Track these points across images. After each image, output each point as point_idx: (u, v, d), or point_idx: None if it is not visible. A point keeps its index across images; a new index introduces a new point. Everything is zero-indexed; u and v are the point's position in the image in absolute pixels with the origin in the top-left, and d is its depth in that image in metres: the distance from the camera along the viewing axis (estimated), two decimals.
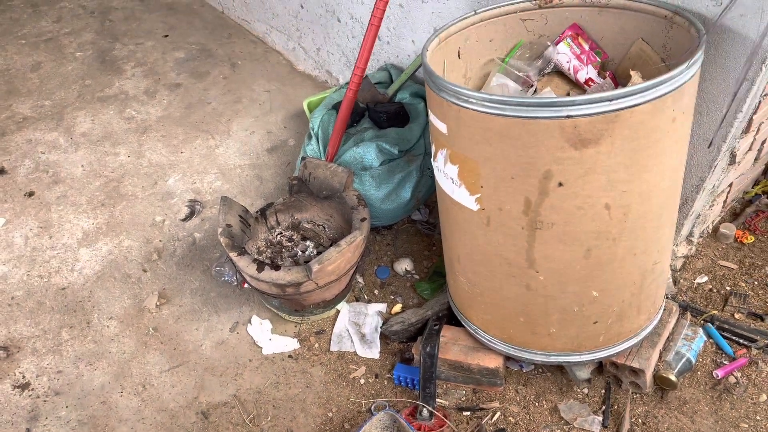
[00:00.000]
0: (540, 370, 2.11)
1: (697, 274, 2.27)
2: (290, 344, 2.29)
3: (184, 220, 2.75)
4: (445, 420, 1.95)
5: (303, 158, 2.37)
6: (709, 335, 2.07)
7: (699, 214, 2.19)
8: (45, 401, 2.16)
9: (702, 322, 2.11)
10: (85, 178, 2.97)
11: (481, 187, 1.66)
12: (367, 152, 2.39)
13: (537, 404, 2.01)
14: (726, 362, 1.99)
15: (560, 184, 1.55)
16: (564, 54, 1.98)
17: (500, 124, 1.51)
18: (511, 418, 1.98)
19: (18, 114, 3.34)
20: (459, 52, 1.98)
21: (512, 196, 1.62)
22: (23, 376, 2.23)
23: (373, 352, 2.25)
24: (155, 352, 2.29)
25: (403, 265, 2.50)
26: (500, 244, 1.74)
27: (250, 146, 3.11)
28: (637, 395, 1.98)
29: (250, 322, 2.36)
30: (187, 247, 2.66)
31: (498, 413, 2.00)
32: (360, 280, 2.49)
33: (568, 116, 1.44)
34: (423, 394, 2.03)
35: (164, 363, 2.26)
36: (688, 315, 2.12)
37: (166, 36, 3.93)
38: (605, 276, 1.73)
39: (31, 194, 2.90)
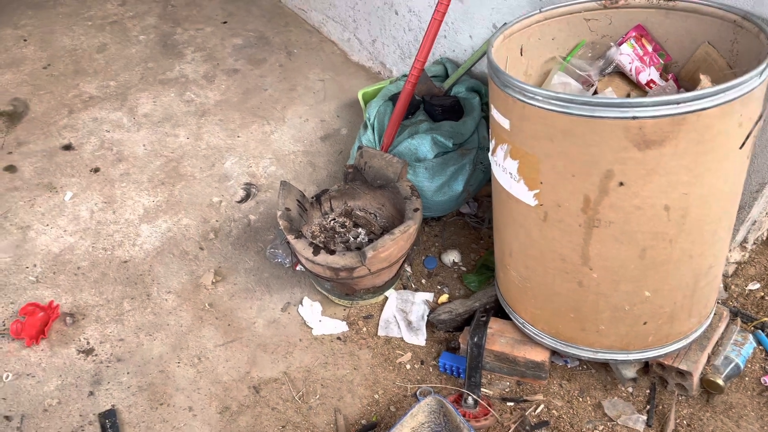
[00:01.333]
0: (584, 366, 2.13)
1: (749, 281, 2.26)
2: (339, 327, 2.37)
3: (239, 201, 2.84)
4: (489, 409, 2.00)
5: (359, 147, 2.43)
6: (758, 342, 2.06)
7: (755, 221, 2.18)
8: (107, 367, 2.28)
9: (752, 328, 2.11)
10: (147, 157, 3.09)
11: (541, 183, 1.69)
12: (421, 144, 2.44)
13: (581, 399, 2.04)
14: None
15: (621, 184, 1.57)
16: (627, 55, 1.99)
17: (564, 122, 1.54)
18: (554, 411, 2.02)
19: (85, 93, 3.48)
20: (521, 50, 2.01)
21: (571, 194, 1.65)
22: (87, 342, 2.35)
23: (420, 339, 2.30)
24: (210, 327, 2.39)
25: (451, 257, 2.54)
26: (555, 240, 1.77)
27: (304, 133, 3.19)
28: (683, 397, 1.99)
29: (301, 303, 2.44)
30: (243, 228, 2.75)
31: (542, 406, 2.04)
32: (408, 269, 2.55)
33: (634, 117, 1.46)
34: (468, 383, 2.08)
35: (219, 338, 2.36)
36: (738, 321, 2.12)
37: (225, 22, 4.03)
38: (659, 276, 1.74)
39: (96, 170, 3.03)
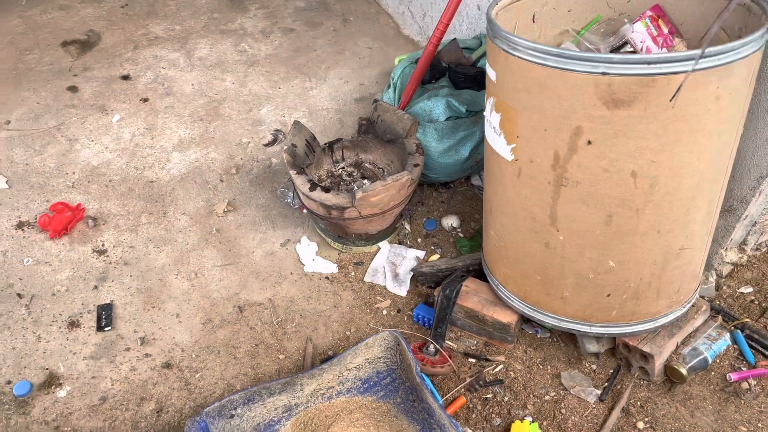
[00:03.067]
0: (554, 339, 2.14)
1: (742, 284, 2.19)
2: (330, 267, 2.47)
3: (266, 145, 3.00)
4: (448, 359, 2.05)
5: (375, 101, 2.53)
6: (735, 341, 2.01)
7: (756, 222, 2.11)
8: (115, 268, 2.48)
9: (732, 327, 2.05)
10: (193, 95, 3.30)
11: (517, 137, 1.73)
12: (436, 106, 2.50)
13: (541, 367, 2.06)
14: (744, 369, 1.93)
15: (589, 143, 1.59)
16: (639, 33, 1.99)
17: (540, 74, 1.58)
18: (512, 373, 2.04)
19: (151, 33, 3.75)
20: (534, 17, 2.04)
21: (543, 149, 1.68)
22: (103, 244, 2.56)
23: (402, 290, 2.37)
24: (213, 249, 2.56)
25: (450, 221, 2.59)
26: (527, 198, 1.80)
27: (341, 93, 3.31)
28: (645, 382, 1.97)
29: (299, 241, 2.57)
30: (263, 169, 2.91)
31: (501, 366, 2.06)
32: (407, 227, 2.62)
33: (603, 73, 1.48)
34: (434, 333, 2.13)
35: (218, 259, 2.52)
36: (720, 319, 2.06)
37: None
38: (624, 247, 1.74)
39: (145, 100, 3.27)
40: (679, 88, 1.43)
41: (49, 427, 2.00)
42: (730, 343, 2.00)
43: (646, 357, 1.93)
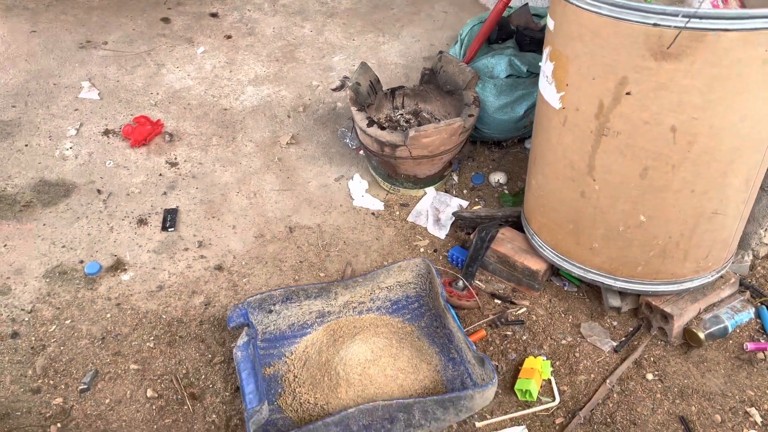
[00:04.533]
0: (580, 294, 2.22)
1: None
2: (377, 205, 2.62)
3: (334, 89, 3.17)
4: (475, 295, 2.17)
5: (440, 52, 2.64)
6: (758, 315, 2.03)
7: None
8: (183, 179, 2.71)
9: (759, 303, 2.07)
10: (272, 37, 3.50)
11: (567, 85, 1.82)
12: (498, 63, 2.59)
13: (563, 316, 2.15)
14: (764, 341, 1.96)
15: (632, 94, 1.66)
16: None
17: (594, 22, 1.66)
18: (533, 317, 2.14)
19: None
20: None
21: (589, 98, 1.76)
22: (175, 158, 2.80)
23: (441, 233, 2.50)
24: (272, 175, 2.75)
25: (497, 177, 2.69)
26: (569, 146, 1.89)
27: (411, 51, 3.43)
28: (662, 342, 2.03)
29: (352, 178, 2.72)
30: (328, 111, 3.08)
31: (524, 309, 2.17)
32: (455, 177, 2.74)
33: (655, 24, 1.55)
34: (465, 271, 2.25)
35: (276, 184, 2.71)
36: (748, 294, 2.09)
37: None
38: (656, 203, 1.81)
39: (228, 37, 3.49)
40: (675, 39, 1.50)
41: (112, 303, 2.24)
42: (754, 317, 2.03)
43: (666, 317, 1.99)
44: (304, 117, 3.04)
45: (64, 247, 2.43)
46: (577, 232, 2.01)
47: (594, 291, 2.22)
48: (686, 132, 1.67)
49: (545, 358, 1.97)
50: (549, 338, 2.07)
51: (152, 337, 2.14)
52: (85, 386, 2.00)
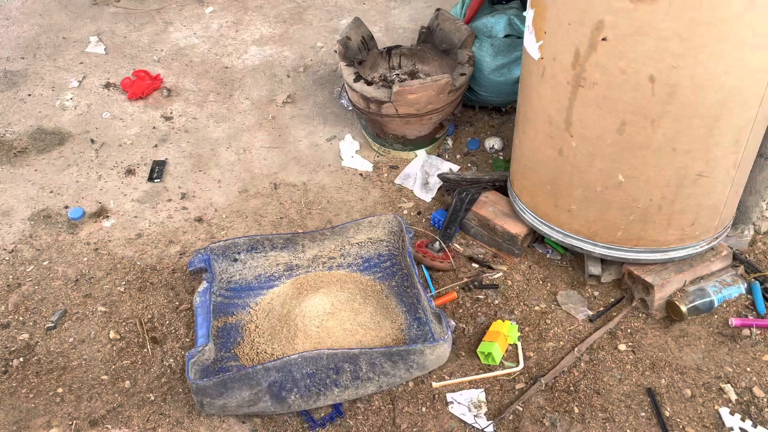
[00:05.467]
0: (563, 263, 2.11)
1: None
2: (365, 166, 2.56)
3: (336, 51, 3.11)
4: (450, 258, 2.09)
5: (437, 9, 2.55)
6: (750, 291, 1.89)
7: None
8: (176, 133, 2.71)
9: (752, 279, 1.93)
10: (283, 0, 3.47)
11: (545, 33, 1.71)
12: (497, 22, 2.49)
13: (541, 283, 2.05)
14: (752, 318, 1.82)
15: (608, 39, 1.55)
16: None
17: None
18: (509, 282, 2.05)
19: None
20: None
21: (566, 46, 1.65)
22: (170, 112, 2.80)
23: (428, 196, 2.42)
24: (264, 133, 2.72)
25: (493, 143, 2.59)
26: (547, 99, 1.78)
27: (421, 16, 3.34)
28: (643, 315, 1.91)
29: (344, 139, 2.67)
30: (329, 73, 3.02)
31: (500, 274, 2.08)
32: (449, 142, 2.65)
33: None
34: (443, 233, 2.18)
35: (266, 141, 2.68)
36: (741, 269, 1.94)
37: None
38: (635, 161, 1.69)
39: None
40: None
41: (90, 247, 2.26)
42: (744, 293, 1.89)
43: (648, 288, 1.87)
44: (303, 77, 2.99)
45: (51, 192, 2.46)
46: (555, 194, 1.90)
47: (578, 260, 2.11)
48: (665, 83, 1.55)
49: (514, 323, 1.88)
50: (522, 304, 1.98)
51: (124, 282, 2.14)
52: (52, 324, 2.02)
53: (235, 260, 1.98)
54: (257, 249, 1.99)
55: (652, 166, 1.69)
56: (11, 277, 2.17)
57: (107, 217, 2.37)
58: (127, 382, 1.85)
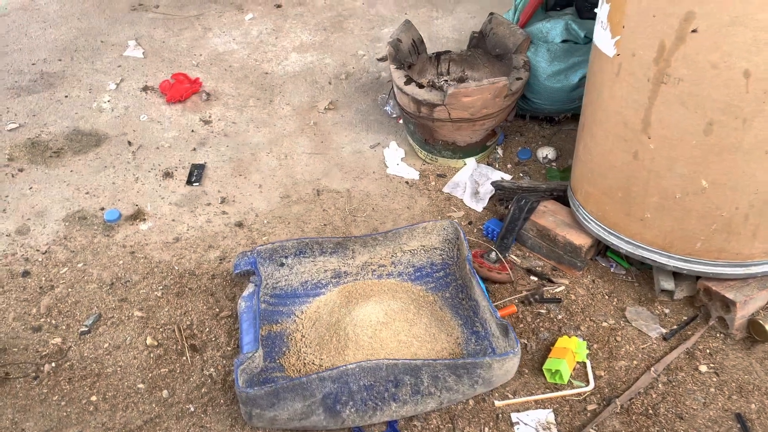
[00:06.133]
0: (629, 278, 1.97)
1: None
2: (412, 174, 2.45)
3: (380, 59, 3.00)
4: (507, 269, 1.96)
5: (490, 13, 2.46)
6: None
7: None
8: (215, 137, 2.63)
9: None
10: (322, 8, 3.41)
11: (623, 27, 1.61)
12: (554, 27, 2.39)
13: (606, 298, 1.91)
14: None
15: (698, 31, 1.44)
16: None
17: None
18: (572, 296, 1.91)
19: None
20: None
21: (648, 40, 1.54)
22: (209, 116, 2.72)
23: (479, 205, 2.30)
24: (306, 138, 2.63)
25: (546, 152, 2.47)
26: (622, 99, 1.67)
27: (465, 27, 3.26)
28: (721, 335, 1.76)
29: (388, 146, 2.57)
30: (371, 80, 2.94)
31: (562, 288, 1.94)
32: (499, 151, 2.53)
33: None
34: (500, 242, 2.05)
35: (308, 147, 2.58)
36: None
37: None
38: (722, 166, 1.57)
39: (278, 6, 3.42)
40: None
41: (126, 250, 2.16)
42: None
43: (728, 305, 1.73)
44: (345, 84, 2.91)
45: (87, 193, 2.37)
46: (627, 201, 1.77)
47: (645, 275, 1.97)
48: (763, 78, 1.43)
49: (581, 340, 1.74)
50: (588, 319, 1.84)
51: (161, 287, 2.04)
52: (86, 329, 1.91)
53: (282, 265, 1.87)
54: (305, 253, 1.87)
55: (741, 171, 1.56)
56: (44, 279, 2.07)
57: (144, 219, 2.27)
58: (165, 391, 1.73)
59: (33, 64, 2.98)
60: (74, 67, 2.98)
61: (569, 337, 1.74)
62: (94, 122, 2.68)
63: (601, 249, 2.04)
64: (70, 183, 2.41)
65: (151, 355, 1.83)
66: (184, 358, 1.81)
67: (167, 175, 2.45)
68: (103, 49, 3.09)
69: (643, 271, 1.98)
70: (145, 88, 2.85)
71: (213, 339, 1.87)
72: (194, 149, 2.56)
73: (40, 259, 2.13)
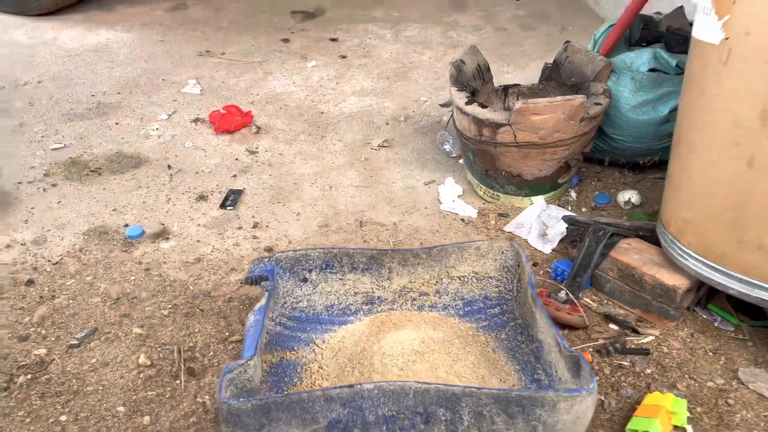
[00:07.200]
0: (739, 335, 1.55)
1: None
2: (469, 211, 2.15)
3: (442, 105, 2.82)
4: (579, 309, 1.58)
5: (566, 42, 2.23)
6: None
7: None
8: (259, 166, 2.44)
9: None
10: (388, 60, 3.31)
11: (734, 3, 1.32)
12: (639, 56, 2.12)
13: (710, 354, 1.48)
14: None
15: None
16: None
17: None
18: (664, 348, 1.50)
19: (370, 14, 3.91)
20: None
21: None
22: (256, 147, 2.56)
23: (546, 247, 1.96)
24: (355, 172, 2.40)
25: (628, 196, 2.12)
26: (733, 93, 1.35)
27: (534, 78, 3.05)
28: None
29: (444, 183, 2.29)
30: (431, 123, 2.73)
31: (651, 338, 1.53)
32: (572, 194, 2.21)
33: None
34: (571, 281, 1.68)
35: (356, 180, 2.35)
36: None
37: (518, 0, 4.15)
38: None
39: (343, 57, 3.34)
40: None
41: (141, 267, 1.93)
42: None
43: None
44: (403, 126, 2.71)
45: (115, 210, 2.19)
46: (739, 224, 1.40)
47: (763, 333, 1.54)
48: None
49: (680, 398, 1.32)
50: (687, 377, 1.41)
51: (170, 306, 1.77)
52: (77, 342, 1.64)
53: (305, 280, 1.57)
54: (333, 267, 1.57)
55: None
56: (47, 288, 1.85)
57: (167, 238, 2.05)
58: (147, 417, 1.41)
59: (92, 96, 2.96)
60: (131, 99, 2.93)
61: (662, 394, 1.32)
62: (138, 147, 2.56)
63: (701, 297, 1.63)
64: (100, 200, 2.25)
65: (141, 376, 1.53)
66: (178, 381, 1.50)
67: (201, 198, 2.25)
68: (163, 86, 3.06)
69: (758, 328, 1.55)
70: (196, 120, 2.74)
71: (215, 364, 1.56)
72: (235, 176, 2.38)
73: (48, 269, 1.92)
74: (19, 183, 2.34)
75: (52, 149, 2.55)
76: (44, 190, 2.31)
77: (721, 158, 1.41)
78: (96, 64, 3.27)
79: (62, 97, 2.95)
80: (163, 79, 3.13)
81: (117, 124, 2.74)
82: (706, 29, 1.41)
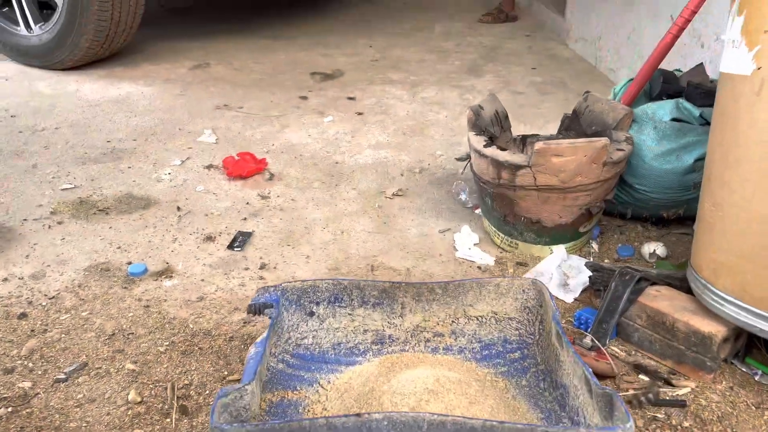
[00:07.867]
0: None
1: None
2: (486, 259, 2.06)
3: (458, 159, 2.78)
4: (606, 355, 1.46)
5: (586, 92, 2.20)
6: None
7: None
8: (270, 210, 2.38)
9: None
10: (404, 118, 3.31)
11: (765, 31, 1.28)
12: (661, 107, 2.08)
13: (754, 409, 1.34)
14: None
15: None
16: None
17: None
18: (702, 401, 1.36)
19: (388, 77, 3.96)
20: None
21: None
22: (268, 192, 2.51)
23: (568, 296, 1.85)
24: (368, 219, 2.33)
25: (653, 248, 2.03)
26: (767, 123, 1.29)
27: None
28: None
29: (460, 231, 2.22)
30: (447, 175, 2.68)
31: (687, 390, 1.40)
32: (594, 246, 2.12)
33: None
34: (596, 327, 1.57)
35: (369, 227, 2.28)
36: None
37: (534, 68, 4.20)
38: None
39: (360, 113, 3.36)
40: None
41: (140, 304, 1.84)
42: None
43: None
44: (418, 177, 2.66)
45: (119, 248, 2.13)
46: None
47: None
48: None
49: None
50: (729, 431, 1.27)
51: (167, 343, 1.67)
52: (64, 376, 1.54)
53: (312, 314, 1.47)
54: (342, 301, 1.47)
55: None
56: (40, 322, 1.76)
57: (170, 276, 1.97)
58: None
59: (107, 142, 2.97)
60: (146, 146, 2.93)
61: None
62: (148, 189, 2.53)
63: (739, 349, 1.51)
64: (105, 238, 2.19)
65: (129, 413, 1.41)
66: (168, 419, 1.38)
67: (209, 238, 2.18)
68: (179, 135, 3.06)
69: None
70: (209, 166, 2.72)
71: (210, 403, 1.43)
72: (245, 219, 2.32)
73: (44, 303, 1.84)
74: (25, 220, 2.30)
75: (61, 189, 2.52)
76: (49, 227, 2.26)
77: (756, 193, 1.33)
78: (115, 114, 3.30)
79: (78, 142, 2.96)
80: (180, 129, 3.14)
81: (129, 167, 2.72)
82: (735, 62, 1.37)
